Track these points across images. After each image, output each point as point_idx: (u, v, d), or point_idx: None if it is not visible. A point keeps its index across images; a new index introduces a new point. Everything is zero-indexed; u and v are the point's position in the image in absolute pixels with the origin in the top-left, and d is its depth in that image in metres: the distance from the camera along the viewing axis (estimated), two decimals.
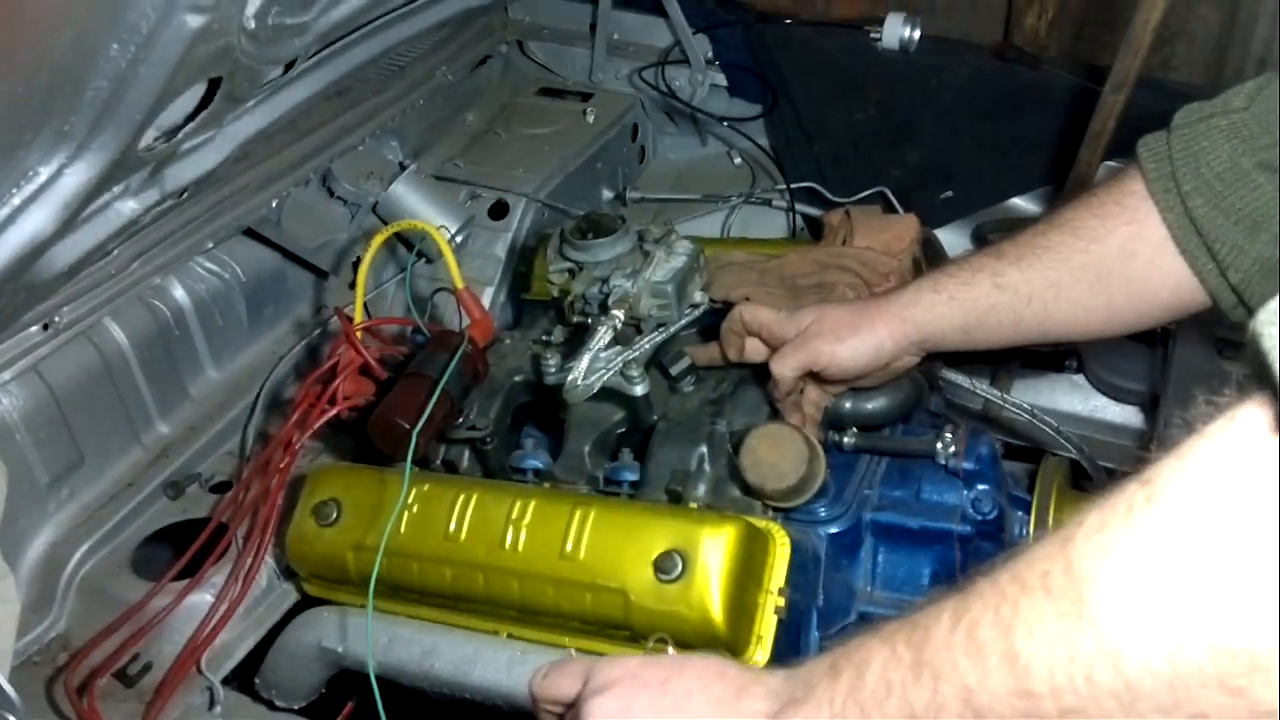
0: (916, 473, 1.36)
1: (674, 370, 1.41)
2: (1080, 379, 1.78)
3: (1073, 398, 1.78)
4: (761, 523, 1.24)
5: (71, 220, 1.17)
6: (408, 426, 1.28)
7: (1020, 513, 1.37)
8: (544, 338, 1.51)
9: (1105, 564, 0.60)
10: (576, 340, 1.43)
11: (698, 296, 1.45)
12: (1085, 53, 2.64)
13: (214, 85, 1.20)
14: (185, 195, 1.44)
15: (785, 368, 1.30)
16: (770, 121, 2.14)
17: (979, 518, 1.32)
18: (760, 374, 1.37)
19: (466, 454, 1.45)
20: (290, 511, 1.39)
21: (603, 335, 1.34)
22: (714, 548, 1.17)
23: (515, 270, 1.89)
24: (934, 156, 2.00)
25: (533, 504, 1.26)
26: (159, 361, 1.70)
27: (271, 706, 1.39)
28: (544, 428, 1.52)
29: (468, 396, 1.42)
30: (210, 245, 1.69)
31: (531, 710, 0.98)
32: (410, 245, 1.82)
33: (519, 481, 1.39)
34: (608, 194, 2.16)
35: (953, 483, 1.34)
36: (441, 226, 1.74)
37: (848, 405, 1.40)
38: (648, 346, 1.38)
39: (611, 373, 1.34)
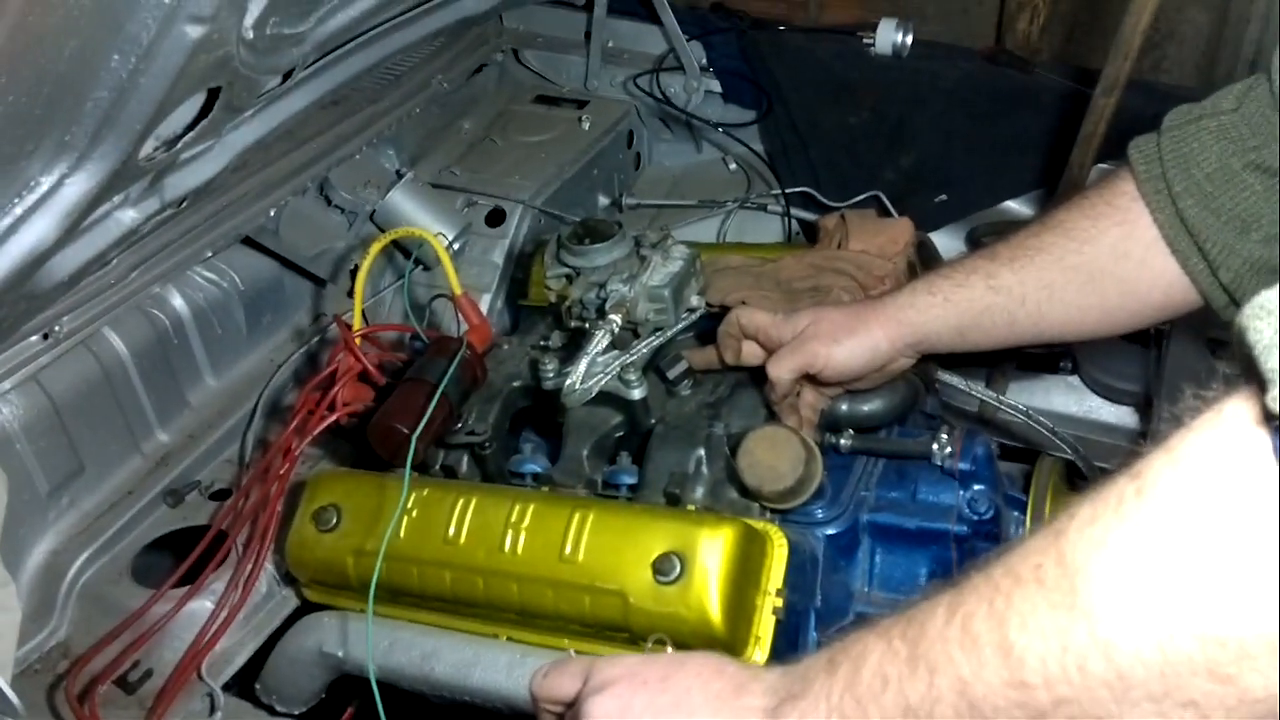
0: (913, 474, 1.37)
1: (671, 374, 1.41)
2: (1075, 380, 1.79)
3: (1067, 399, 1.79)
4: (759, 524, 1.24)
5: (72, 230, 1.18)
6: (407, 432, 1.28)
7: (1016, 513, 1.37)
8: (542, 343, 1.52)
9: (1097, 556, 0.61)
10: (574, 345, 1.44)
11: (694, 301, 1.46)
12: (1076, 56, 2.65)
13: (213, 95, 1.21)
14: (184, 204, 1.44)
15: (782, 370, 1.31)
16: (765, 127, 2.15)
17: (975, 518, 1.32)
18: (757, 377, 1.38)
19: (465, 459, 1.45)
20: (290, 518, 1.39)
21: (600, 340, 1.35)
22: (712, 549, 1.17)
23: (512, 277, 1.90)
24: (927, 160, 2.01)
25: (531, 507, 1.27)
26: (158, 370, 1.70)
27: (272, 712, 1.40)
28: (542, 432, 1.52)
29: (466, 402, 1.42)
30: (209, 254, 1.70)
31: (531, 711, 0.98)
32: (408, 253, 1.83)
33: (518, 486, 1.40)
34: (604, 200, 2.17)
35: (949, 483, 1.35)
36: (439, 234, 1.75)
37: (844, 407, 1.40)
38: (645, 351, 1.39)
39: (609, 377, 1.35)
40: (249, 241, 1.81)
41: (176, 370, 1.75)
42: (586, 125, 2.15)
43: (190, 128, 1.23)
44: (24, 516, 1.50)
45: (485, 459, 1.43)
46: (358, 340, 1.42)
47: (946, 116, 2.02)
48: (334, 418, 1.40)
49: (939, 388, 1.54)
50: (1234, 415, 0.57)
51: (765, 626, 1.20)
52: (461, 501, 1.29)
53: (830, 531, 1.32)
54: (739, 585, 1.18)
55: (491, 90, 2.31)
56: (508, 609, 1.27)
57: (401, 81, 2.01)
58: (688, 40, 2.18)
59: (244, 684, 1.42)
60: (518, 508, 1.27)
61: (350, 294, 1.66)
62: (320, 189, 1.90)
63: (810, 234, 1.91)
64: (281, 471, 1.44)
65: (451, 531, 1.28)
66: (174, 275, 1.68)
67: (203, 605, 1.43)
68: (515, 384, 1.48)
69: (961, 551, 1.32)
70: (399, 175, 1.95)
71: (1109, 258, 1.18)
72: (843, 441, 1.37)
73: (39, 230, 1.13)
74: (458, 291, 1.46)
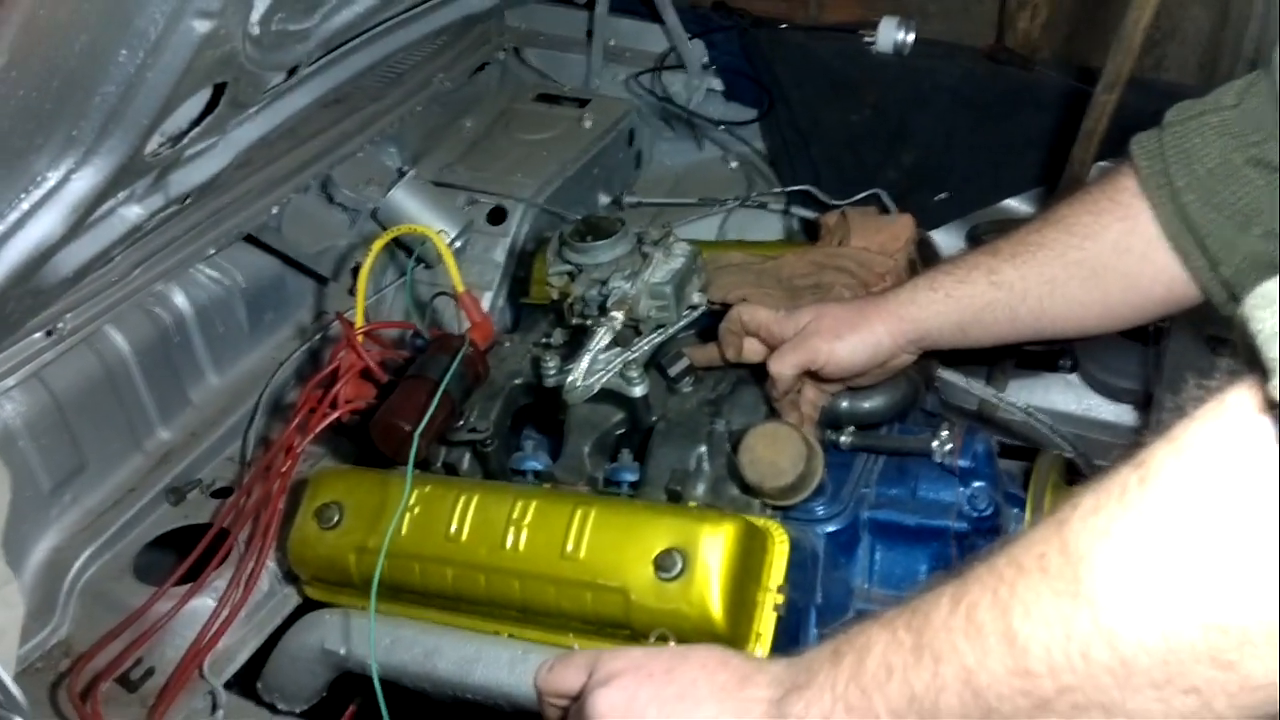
0: (913, 471, 1.37)
1: (673, 371, 1.41)
2: (1074, 378, 1.79)
3: (1067, 396, 1.79)
4: (760, 521, 1.25)
5: (78, 225, 1.18)
6: (409, 429, 1.28)
7: (1016, 509, 1.37)
8: (543, 340, 1.52)
9: (1100, 544, 0.61)
10: (576, 342, 1.44)
11: (696, 298, 1.46)
12: (1077, 54, 2.65)
13: (218, 91, 1.21)
14: (188, 201, 1.45)
15: (783, 367, 1.31)
16: (766, 125, 2.16)
17: (975, 515, 1.32)
18: (758, 374, 1.38)
19: (467, 456, 1.45)
20: (292, 515, 1.39)
21: (602, 337, 1.35)
22: (713, 546, 1.18)
23: (514, 274, 1.90)
24: (928, 158, 2.02)
25: (533, 504, 1.27)
26: (160, 368, 1.71)
27: (274, 710, 1.40)
28: (544, 429, 1.53)
29: (468, 399, 1.42)
30: (211, 252, 1.70)
31: (534, 707, 0.98)
32: (410, 250, 1.83)
33: (519, 483, 1.40)
34: (605, 199, 2.17)
35: (949, 480, 1.35)
36: (441, 231, 1.75)
37: (845, 404, 1.40)
38: (646, 348, 1.39)
39: (611, 374, 1.35)
40: (251, 239, 1.82)
41: (178, 368, 1.75)
42: (588, 123, 2.15)
43: (195, 124, 1.24)
44: (26, 513, 1.51)
45: (487, 456, 1.43)
46: (360, 338, 1.42)
47: (947, 115, 2.02)
48: (336, 415, 1.40)
49: (939, 385, 1.54)
50: (1236, 404, 0.58)
51: (766, 623, 1.20)
52: (463, 499, 1.29)
53: (831, 528, 1.32)
54: (740, 582, 1.18)
55: (493, 88, 2.32)
56: (509, 606, 1.27)
57: (403, 80, 2.02)
58: (689, 39, 2.18)
59: (246, 682, 1.42)
60: (519, 505, 1.27)
61: (352, 292, 1.66)
62: (322, 187, 1.91)
63: (811, 232, 1.92)
64: (283, 469, 1.44)
65: (453, 529, 1.28)
66: (176, 273, 1.69)
67: (204, 603, 1.44)
68: (517, 381, 1.48)
69: (961, 548, 1.32)
70: (401, 173, 1.95)
71: (1111, 253, 1.18)
72: (843, 438, 1.38)
73: (45, 225, 1.13)
74: (460, 289, 1.46)
